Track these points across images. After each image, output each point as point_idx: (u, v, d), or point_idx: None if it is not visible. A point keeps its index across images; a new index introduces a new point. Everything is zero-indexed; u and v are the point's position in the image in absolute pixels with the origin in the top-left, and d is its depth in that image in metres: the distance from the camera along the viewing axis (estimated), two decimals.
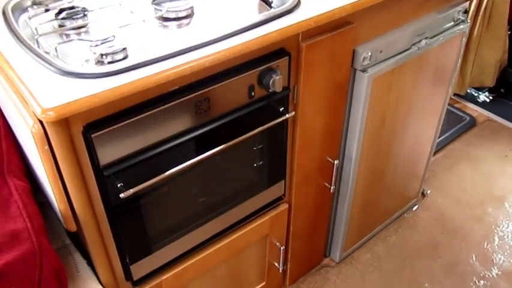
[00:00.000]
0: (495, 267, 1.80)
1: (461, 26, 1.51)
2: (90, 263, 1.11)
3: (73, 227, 0.99)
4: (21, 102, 0.87)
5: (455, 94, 2.57)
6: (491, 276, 1.77)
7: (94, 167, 0.93)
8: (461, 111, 2.55)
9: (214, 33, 0.99)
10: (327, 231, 1.71)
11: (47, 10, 1.12)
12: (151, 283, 1.19)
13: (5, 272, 0.86)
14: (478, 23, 2.25)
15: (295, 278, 1.74)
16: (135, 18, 1.11)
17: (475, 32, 2.28)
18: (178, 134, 1.01)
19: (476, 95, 2.62)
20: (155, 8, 1.12)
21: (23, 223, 0.91)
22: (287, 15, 1.07)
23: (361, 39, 1.25)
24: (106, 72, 0.87)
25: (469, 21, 1.54)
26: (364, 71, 1.28)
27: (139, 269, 1.15)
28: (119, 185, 0.96)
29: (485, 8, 2.20)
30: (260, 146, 1.23)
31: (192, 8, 1.13)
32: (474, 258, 1.84)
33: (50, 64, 0.89)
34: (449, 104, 2.32)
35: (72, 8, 1.10)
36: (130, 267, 1.13)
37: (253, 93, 1.09)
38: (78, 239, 1.15)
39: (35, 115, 0.83)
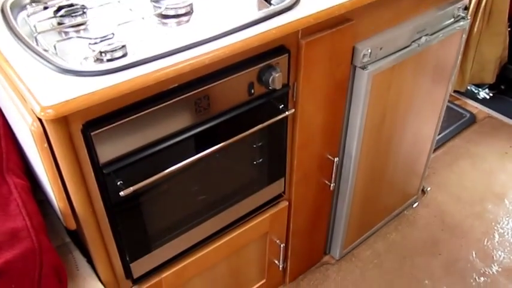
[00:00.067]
0: (495, 264, 1.80)
1: (461, 23, 1.50)
2: (90, 261, 1.11)
3: (73, 225, 0.99)
4: (20, 100, 0.87)
5: (455, 91, 2.56)
6: (491, 273, 1.77)
7: (93, 165, 0.93)
8: (461, 108, 2.55)
9: (214, 31, 0.98)
10: (327, 229, 1.71)
11: (45, 8, 1.12)
12: (151, 281, 1.19)
13: (5, 270, 0.86)
14: (478, 19, 2.24)
15: (295, 276, 1.74)
16: (134, 15, 1.11)
17: (475, 29, 2.27)
18: (178, 132, 1.01)
19: (476, 91, 2.61)
20: (154, 6, 1.12)
21: (22, 221, 0.91)
22: (286, 12, 1.07)
23: (360, 36, 1.25)
24: (105, 70, 0.87)
25: (469, 17, 1.53)
26: (364, 68, 1.28)
27: (139, 266, 1.15)
28: (118, 183, 0.96)
29: (485, 4, 2.20)
30: (260, 144, 1.22)
31: (191, 5, 1.13)
32: (474, 255, 1.84)
33: (48, 62, 0.88)
34: (449, 101, 2.33)
35: (71, 5, 1.10)
36: (130, 265, 1.13)
37: (252, 91, 1.09)
38: (78, 237, 1.15)
39: (34, 113, 0.83)
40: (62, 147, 0.86)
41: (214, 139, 1.07)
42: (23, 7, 1.12)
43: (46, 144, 0.85)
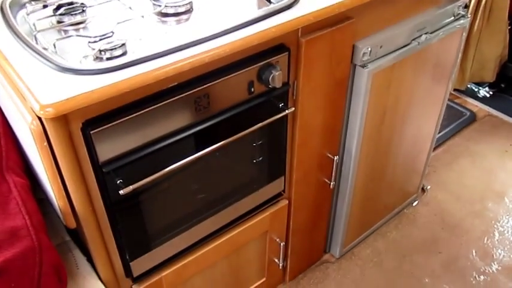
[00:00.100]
0: (495, 263, 1.80)
1: (462, 21, 1.50)
2: (90, 260, 1.11)
3: (72, 224, 0.99)
4: (20, 99, 0.86)
5: (455, 89, 2.56)
6: (491, 271, 1.77)
7: (93, 163, 0.93)
8: (461, 107, 2.54)
9: (214, 29, 0.98)
10: (326, 227, 1.71)
11: (45, 6, 1.12)
12: (151, 279, 1.19)
13: (5, 269, 0.85)
14: (478, 17, 2.24)
15: (295, 274, 1.74)
16: (134, 14, 1.11)
17: (475, 27, 2.27)
18: (178, 130, 1.01)
19: (476, 90, 2.61)
20: (154, 4, 1.11)
21: (22, 220, 0.91)
22: (286, 11, 1.07)
23: (360, 35, 1.25)
24: (105, 69, 0.87)
25: (469, 16, 1.53)
26: (364, 66, 1.28)
27: (139, 265, 1.15)
28: (118, 182, 0.96)
29: (486, 2, 2.19)
30: (260, 142, 1.22)
31: (191, 3, 1.13)
32: (474, 254, 1.84)
33: (48, 60, 0.88)
34: (449, 99, 2.32)
35: (71, 3, 1.10)
36: (130, 263, 1.13)
37: (252, 89, 1.09)
38: (77, 236, 1.15)
39: (33, 112, 0.82)
40: (61, 145, 0.86)
41: (214, 138, 1.07)
42: (23, 5, 1.12)
43: (46, 143, 0.85)
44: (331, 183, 1.50)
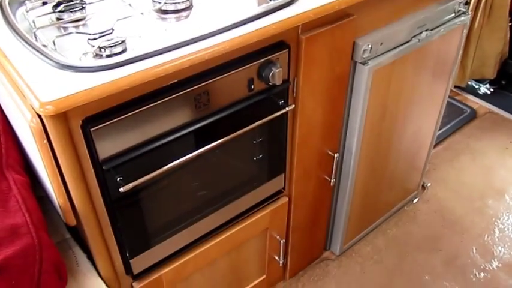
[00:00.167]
0: (495, 260, 1.80)
1: (462, 18, 1.50)
2: (90, 257, 1.11)
3: (72, 221, 0.99)
4: (19, 96, 0.86)
5: (455, 86, 2.56)
6: (491, 268, 1.78)
7: (93, 161, 0.93)
8: (461, 104, 2.54)
9: (213, 26, 0.98)
10: (327, 225, 1.71)
11: (44, 3, 1.12)
12: (151, 277, 1.19)
13: (5, 266, 0.85)
14: (479, 14, 2.24)
15: (296, 271, 1.75)
16: (134, 11, 1.11)
17: (476, 24, 2.26)
18: (178, 128, 1.01)
19: (477, 87, 2.61)
20: (153, 1, 1.11)
21: (22, 217, 0.91)
22: (286, 8, 1.06)
23: (361, 32, 1.24)
24: (104, 66, 0.87)
25: (469, 12, 1.53)
26: (364, 63, 1.28)
27: (139, 262, 1.15)
28: (118, 179, 0.96)
29: None
30: (260, 140, 1.22)
31: (190, 0, 1.12)
32: (474, 251, 1.84)
33: (48, 57, 0.88)
34: (449, 96, 2.32)
35: (70, 0, 1.09)
36: (130, 261, 1.13)
37: (252, 86, 1.09)
38: (77, 233, 1.15)
39: (33, 109, 0.82)
40: (61, 143, 0.86)
41: (214, 135, 1.07)
42: (22, 2, 1.12)
43: (45, 141, 0.85)
44: (332, 181, 1.49)
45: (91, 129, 0.87)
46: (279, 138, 1.27)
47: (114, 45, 0.93)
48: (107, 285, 1.09)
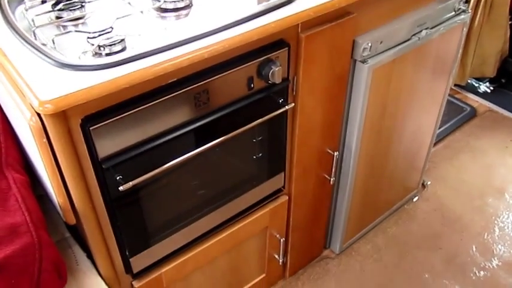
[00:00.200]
0: (495, 258, 1.80)
1: (462, 16, 1.50)
2: (90, 256, 1.11)
3: (72, 220, 0.99)
4: (19, 95, 0.86)
5: (455, 85, 2.56)
6: (491, 267, 1.78)
7: (93, 159, 0.92)
8: (461, 102, 2.54)
9: (213, 24, 0.98)
10: (327, 223, 1.71)
11: (43, 1, 1.12)
12: (151, 276, 1.19)
13: (5, 265, 0.85)
14: (479, 13, 2.23)
15: (295, 270, 1.75)
16: (133, 9, 1.11)
17: (476, 22, 2.26)
18: (178, 126, 1.01)
19: (476, 85, 2.61)
20: None
21: (22, 216, 0.91)
22: (286, 6, 1.06)
23: (361, 30, 1.24)
24: (104, 64, 0.87)
25: (469, 11, 1.52)
26: (364, 62, 1.27)
27: (139, 261, 1.15)
28: (118, 178, 0.96)
29: None
30: (260, 138, 1.22)
31: None
32: (474, 249, 1.84)
33: (47, 56, 0.88)
34: (449, 95, 2.31)
35: None
36: (130, 259, 1.12)
37: (252, 85, 1.09)
38: (77, 232, 1.15)
39: (32, 108, 0.82)
40: (60, 142, 0.86)
41: (214, 134, 1.07)
42: (21, 1, 1.12)
43: (45, 139, 0.85)
44: (331, 179, 1.49)
45: (90, 128, 0.87)
46: (278, 136, 1.27)
47: (114, 44, 0.93)
48: (106, 284, 1.09)
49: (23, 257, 0.88)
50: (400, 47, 1.34)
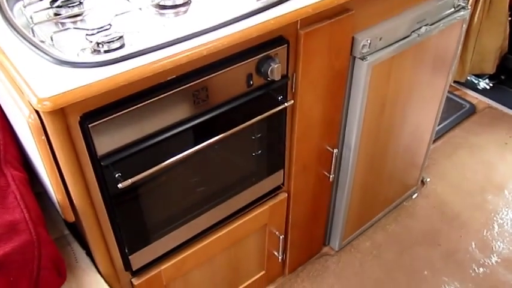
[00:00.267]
0: (494, 255, 1.80)
1: (462, 13, 1.49)
2: (89, 253, 1.11)
3: (71, 218, 0.99)
4: (17, 93, 0.86)
5: (455, 81, 2.56)
6: (490, 263, 1.78)
7: (91, 157, 0.92)
8: (461, 99, 2.54)
9: (212, 21, 0.98)
10: (326, 220, 1.71)
11: None
12: (150, 273, 1.19)
13: (3, 262, 0.85)
14: (478, 9, 2.23)
15: (295, 267, 1.75)
16: (132, 6, 1.10)
17: (476, 19, 2.26)
18: (177, 124, 1.01)
19: (476, 82, 2.60)
20: None
21: (20, 214, 0.91)
22: (285, 3, 1.06)
23: (360, 27, 1.24)
24: (102, 61, 0.86)
25: (469, 7, 1.52)
26: (363, 58, 1.27)
27: (138, 259, 1.15)
28: (116, 175, 0.96)
29: None
30: (259, 135, 1.22)
31: None
32: (473, 246, 1.84)
33: (45, 53, 0.88)
34: (449, 92, 2.32)
35: None
36: (129, 257, 1.12)
37: (251, 82, 1.08)
38: (76, 229, 1.15)
39: (31, 105, 0.82)
40: (59, 139, 0.86)
41: (213, 131, 1.07)
42: None
43: (43, 137, 0.85)
44: (331, 176, 1.49)
45: (89, 125, 0.87)
46: (278, 133, 1.27)
47: (112, 41, 0.93)
48: (106, 281, 1.09)
49: (21, 254, 0.88)
50: (399, 43, 1.34)
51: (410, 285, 1.71)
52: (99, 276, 1.09)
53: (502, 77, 2.57)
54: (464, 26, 1.55)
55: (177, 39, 0.93)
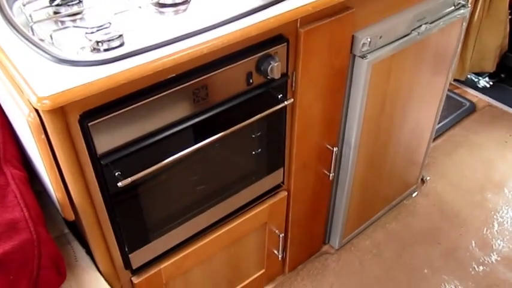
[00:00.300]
0: (494, 253, 1.81)
1: (462, 11, 1.49)
2: (89, 252, 1.11)
3: (71, 216, 0.99)
4: (17, 91, 0.86)
5: (455, 79, 2.56)
6: (490, 262, 1.78)
7: (91, 155, 0.92)
8: (461, 97, 2.54)
9: (212, 20, 0.97)
10: (326, 219, 1.71)
11: None
12: (150, 271, 1.19)
13: (3, 261, 0.85)
14: (478, 7, 2.23)
15: (295, 265, 1.75)
16: (131, 4, 1.10)
17: (476, 17, 2.26)
18: (176, 122, 1.00)
19: (476, 80, 2.60)
20: None
21: (20, 212, 0.91)
22: (285, 1, 1.06)
23: (360, 25, 1.24)
24: (102, 60, 0.86)
25: (469, 5, 1.52)
26: (363, 57, 1.27)
27: (138, 257, 1.15)
28: (116, 174, 0.96)
29: None
30: (259, 134, 1.22)
31: None
32: (473, 244, 1.84)
33: (45, 52, 0.88)
34: (449, 90, 2.31)
35: None
36: (129, 255, 1.12)
37: (251, 80, 1.08)
38: (76, 228, 1.15)
39: (30, 104, 0.82)
40: (59, 138, 0.86)
41: (213, 129, 1.07)
42: None
43: (43, 135, 0.85)
44: (331, 175, 1.49)
45: (89, 124, 0.87)
46: (277, 132, 1.27)
47: (112, 39, 0.93)
48: (106, 280, 1.09)
49: (21, 253, 0.88)
50: (399, 42, 1.34)
51: (410, 283, 1.72)
52: (99, 274, 1.09)
53: (502, 75, 2.57)
54: (464, 24, 1.55)
55: (177, 37, 0.93)
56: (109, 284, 1.09)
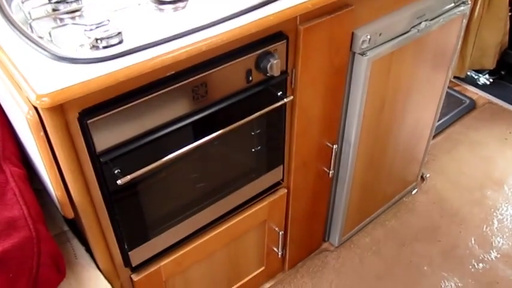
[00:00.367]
0: (494, 251, 1.81)
1: (462, 8, 1.49)
2: (89, 250, 1.11)
3: (70, 214, 0.99)
4: (16, 89, 0.86)
5: (455, 77, 2.55)
6: (490, 259, 1.78)
7: (90, 153, 0.92)
8: (461, 94, 2.54)
9: (211, 17, 0.97)
10: (326, 216, 1.71)
11: None
12: (150, 269, 1.19)
13: (3, 259, 0.85)
14: (478, 4, 2.22)
15: (294, 263, 1.75)
16: (130, 1, 1.10)
17: (476, 14, 2.25)
18: (176, 120, 1.00)
19: (476, 77, 2.60)
20: None
21: (19, 210, 0.91)
22: None
23: (360, 22, 1.23)
24: (101, 57, 0.86)
25: (469, 2, 1.52)
26: (363, 54, 1.27)
27: (138, 255, 1.15)
28: (116, 172, 0.95)
29: None
30: (258, 131, 1.22)
31: None
32: (473, 242, 1.84)
33: (44, 49, 0.87)
34: (449, 87, 2.31)
35: None
36: (129, 253, 1.12)
37: (250, 78, 1.08)
38: (76, 226, 1.15)
39: (29, 101, 0.82)
40: (58, 135, 0.86)
41: (212, 127, 1.07)
42: None
43: (42, 133, 0.85)
44: (330, 172, 1.49)
45: (88, 122, 0.87)
46: (277, 129, 1.26)
47: (111, 37, 0.92)
48: (105, 277, 1.09)
49: (21, 251, 0.88)
50: (399, 39, 1.33)
51: (410, 280, 1.72)
52: (98, 272, 1.09)
53: (502, 73, 2.57)
54: (464, 21, 1.54)
55: (176, 34, 0.92)
56: (109, 281, 1.09)
